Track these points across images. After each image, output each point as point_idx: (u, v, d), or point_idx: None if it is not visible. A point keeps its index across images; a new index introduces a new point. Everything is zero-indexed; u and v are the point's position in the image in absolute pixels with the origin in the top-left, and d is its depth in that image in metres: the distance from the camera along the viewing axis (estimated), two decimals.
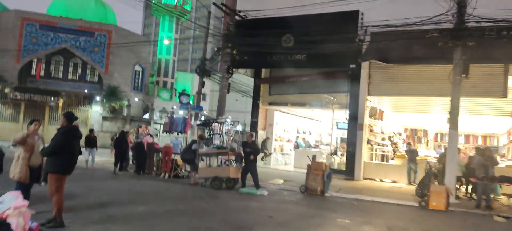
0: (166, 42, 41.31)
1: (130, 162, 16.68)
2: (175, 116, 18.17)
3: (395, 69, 16.69)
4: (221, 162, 13.69)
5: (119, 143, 15.78)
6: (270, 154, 21.38)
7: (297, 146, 22.98)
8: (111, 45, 35.26)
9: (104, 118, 34.12)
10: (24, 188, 7.23)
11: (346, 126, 18.28)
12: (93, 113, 33.88)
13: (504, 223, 9.87)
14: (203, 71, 19.34)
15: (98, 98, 34.33)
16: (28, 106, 31.65)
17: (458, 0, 12.37)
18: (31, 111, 31.49)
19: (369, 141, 17.84)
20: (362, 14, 16.69)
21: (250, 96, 22.06)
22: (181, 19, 42.81)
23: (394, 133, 19.55)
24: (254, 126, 21.15)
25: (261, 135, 21.24)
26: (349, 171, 17.14)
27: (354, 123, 17.27)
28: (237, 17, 18.35)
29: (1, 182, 8.26)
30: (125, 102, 35.86)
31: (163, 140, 17.97)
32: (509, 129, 18.32)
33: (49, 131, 25.77)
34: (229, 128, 14.31)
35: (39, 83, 35.23)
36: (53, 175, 6.63)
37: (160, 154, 15.51)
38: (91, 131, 17.26)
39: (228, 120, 14.95)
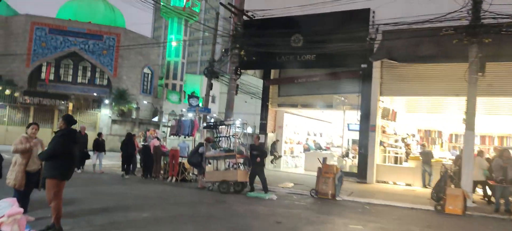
0: (173, 43, 41.21)
1: (138, 166, 16.45)
2: (183, 118, 17.92)
3: (408, 68, 16.23)
4: (228, 165, 13.34)
5: (126, 146, 15.53)
6: (280, 156, 21.04)
7: (307, 148, 22.58)
8: (120, 48, 35.20)
9: (113, 121, 34.00)
10: (23, 194, 7.03)
11: (357, 127, 17.86)
12: (102, 117, 33.79)
13: None
14: (211, 73, 19.09)
15: (107, 101, 34.28)
16: (38, 110, 31.61)
17: None
18: (41, 115, 31.43)
19: (381, 143, 17.39)
20: (373, 12, 16.32)
21: (260, 98, 21.76)
22: (189, 21, 42.68)
23: (407, 134, 19.04)
24: (263, 128, 20.85)
25: (270, 137, 20.92)
26: (361, 173, 16.73)
27: (366, 124, 16.86)
28: (244, 17, 18.05)
29: (1, 188, 7.99)
30: (134, 106, 35.77)
31: (170, 143, 17.68)
32: None
33: None
34: (237, 130, 13.98)
35: (48, 87, 35.27)
36: (51, 180, 6.38)
37: (167, 158, 15.23)
38: (100, 134, 17.03)
39: (237, 122, 14.62)
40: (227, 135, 14.01)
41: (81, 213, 7.95)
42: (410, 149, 18.30)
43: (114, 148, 25.81)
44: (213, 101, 41.36)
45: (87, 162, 15.86)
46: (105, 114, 33.84)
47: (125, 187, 12.70)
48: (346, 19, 16.40)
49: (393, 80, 16.79)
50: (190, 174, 15.09)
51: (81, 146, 15.59)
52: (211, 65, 19.11)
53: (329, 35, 15.96)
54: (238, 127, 14.18)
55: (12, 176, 6.91)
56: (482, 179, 12.75)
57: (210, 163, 13.65)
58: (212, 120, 23.51)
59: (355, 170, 17.44)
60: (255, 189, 12.47)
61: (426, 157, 15.85)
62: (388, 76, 16.89)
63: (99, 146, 16.29)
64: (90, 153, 16.18)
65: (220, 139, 14.17)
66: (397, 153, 17.91)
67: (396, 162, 17.70)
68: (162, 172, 15.38)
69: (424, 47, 14.41)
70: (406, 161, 17.58)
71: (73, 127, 6.71)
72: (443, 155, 17.90)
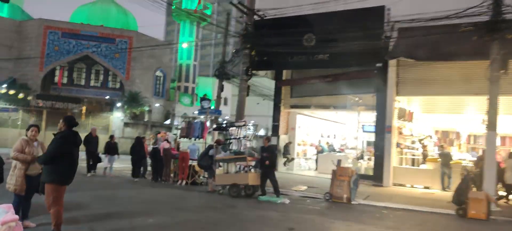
0: (184, 45, 41.08)
1: (149, 168, 16.19)
2: (195, 121, 17.63)
3: (425, 67, 15.60)
4: (239, 168, 12.92)
5: (135, 149, 15.27)
6: (292, 159, 20.58)
7: (321, 150, 22.07)
8: (132, 50, 35.21)
9: (125, 124, 33.99)
10: (24, 198, 6.75)
11: (373, 129, 17.35)
12: (114, 120, 33.80)
13: None
14: (222, 74, 18.78)
15: (119, 104, 34.28)
16: (50, 113, 31.71)
17: None
18: (53, 118, 31.41)
19: (398, 144, 16.80)
20: (388, 9, 15.77)
21: (272, 99, 21.35)
22: (201, 24, 42.53)
23: (424, 135, 18.43)
24: (275, 129, 20.42)
25: (283, 139, 20.48)
26: (377, 176, 16.16)
27: (382, 125, 16.30)
28: (255, 17, 17.69)
29: (1, 192, 7.72)
30: (146, 108, 35.72)
31: (182, 145, 17.39)
32: None
33: None
34: (248, 132, 13.57)
35: (61, 91, 35.46)
36: (49, 185, 6.02)
37: (177, 160, 14.92)
38: (112, 137, 16.81)
39: (249, 124, 14.21)
40: (238, 137, 13.61)
41: (84, 219, 7.63)
42: (427, 151, 17.71)
43: (127, 151, 25.65)
44: (225, 103, 41.11)
45: (99, 165, 15.69)
46: (117, 117, 33.83)
47: (134, 191, 12.40)
48: (360, 17, 15.92)
49: (410, 80, 16.19)
50: (201, 177, 14.74)
51: (92, 148, 15.52)
52: (222, 66, 18.83)
53: (343, 33, 15.51)
54: (249, 129, 13.76)
55: (12, 180, 6.64)
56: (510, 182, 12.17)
57: (220, 166, 13.28)
58: (225, 122, 23.19)
59: (370, 173, 16.92)
60: (267, 193, 12.03)
61: (445, 158, 15.24)
62: (404, 76, 16.30)
63: (111, 149, 16.06)
64: (102, 156, 15.98)
65: (231, 141, 13.79)
66: (414, 155, 17.33)
67: (413, 164, 17.13)
68: (172, 175, 15.07)
69: (442, 44, 13.87)
70: (423, 163, 16.99)
71: (75, 129, 6.36)
72: (462, 156, 17.25)
